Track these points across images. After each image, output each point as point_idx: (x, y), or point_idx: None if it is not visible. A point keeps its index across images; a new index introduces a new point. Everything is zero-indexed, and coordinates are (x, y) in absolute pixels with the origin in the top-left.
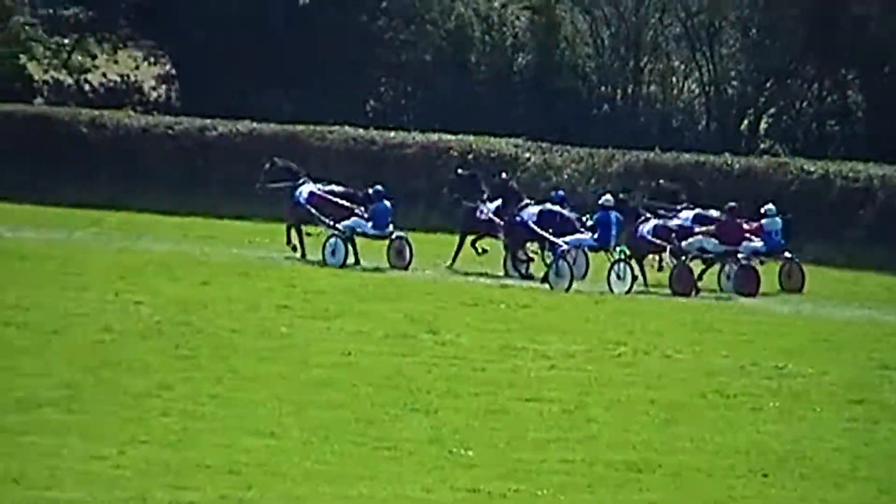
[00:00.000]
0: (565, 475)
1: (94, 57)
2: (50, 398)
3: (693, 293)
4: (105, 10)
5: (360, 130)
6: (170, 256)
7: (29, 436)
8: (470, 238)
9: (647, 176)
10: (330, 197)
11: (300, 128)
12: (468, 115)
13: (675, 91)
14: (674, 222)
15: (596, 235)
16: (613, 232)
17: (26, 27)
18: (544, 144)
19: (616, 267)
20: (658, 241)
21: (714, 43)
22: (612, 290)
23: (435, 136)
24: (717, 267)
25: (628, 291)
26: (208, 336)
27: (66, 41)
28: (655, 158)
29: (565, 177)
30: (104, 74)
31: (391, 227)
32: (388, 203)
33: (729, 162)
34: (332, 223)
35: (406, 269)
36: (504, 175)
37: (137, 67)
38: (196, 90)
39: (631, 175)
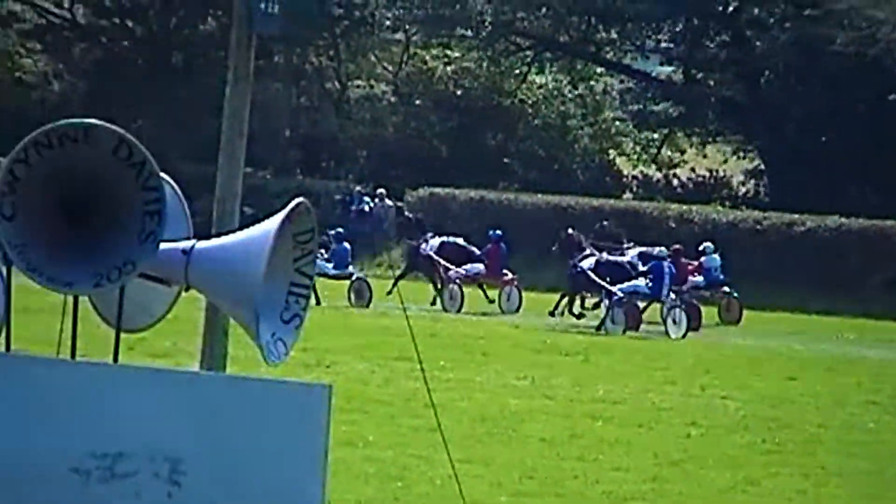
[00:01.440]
0: None
1: (682, 152)
2: (636, 491)
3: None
4: (694, 106)
5: None
6: (756, 351)
7: None
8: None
9: None
10: None
11: (889, 223)
12: None
13: None
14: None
15: (649, 284)
16: (666, 281)
17: (617, 122)
18: None
19: (672, 313)
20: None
21: None
22: (669, 336)
23: None
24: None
25: (684, 336)
26: (795, 431)
27: (656, 136)
28: None
29: None
30: (693, 169)
31: (351, 267)
32: (347, 245)
33: None
34: None
35: (367, 307)
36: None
37: (726, 161)
38: (785, 185)
39: None
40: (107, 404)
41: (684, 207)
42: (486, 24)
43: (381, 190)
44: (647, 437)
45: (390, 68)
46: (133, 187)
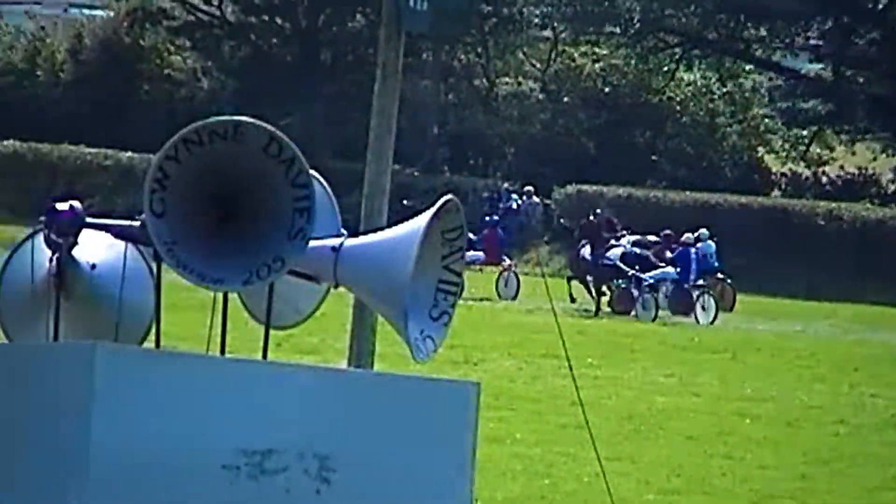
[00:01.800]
0: None
1: (831, 149)
2: (785, 489)
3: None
4: (844, 103)
5: None
6: None
7: None
8: None
9: None
10: None
11: None
12: None
13: None
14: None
15: (677, 270)
16: (693, 267)
17: (765, 119)
18: None
19: (701, 299)
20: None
21: None
22: (698, 322)
23: None
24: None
25: (712, 322)
26: None
27: (805, 133)
28: None
29: None
30: (841, 167)
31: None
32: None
33: None
34: None
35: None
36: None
37: (875, 159)
38: None
39: None
40: (256, 401)
41: (833, 205)
42: (635, 21)
43: (529, 187)
44: (795, 435)
45: (538, 65)
46: (282, 184)
